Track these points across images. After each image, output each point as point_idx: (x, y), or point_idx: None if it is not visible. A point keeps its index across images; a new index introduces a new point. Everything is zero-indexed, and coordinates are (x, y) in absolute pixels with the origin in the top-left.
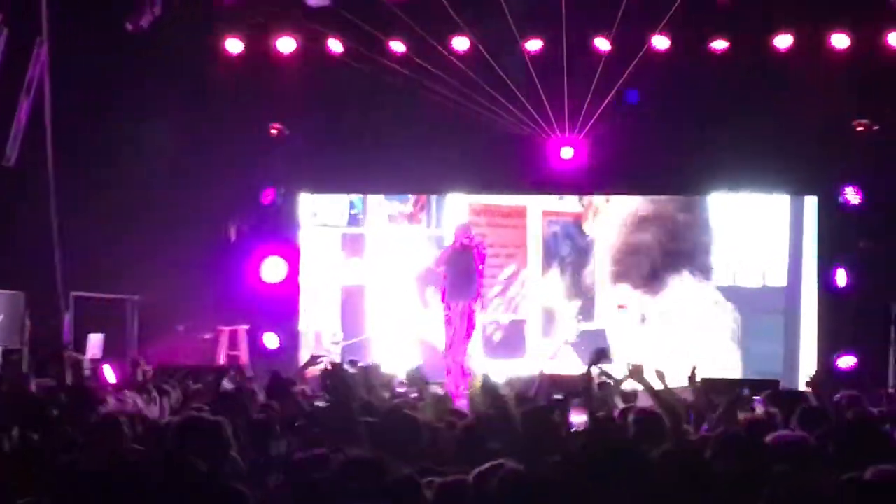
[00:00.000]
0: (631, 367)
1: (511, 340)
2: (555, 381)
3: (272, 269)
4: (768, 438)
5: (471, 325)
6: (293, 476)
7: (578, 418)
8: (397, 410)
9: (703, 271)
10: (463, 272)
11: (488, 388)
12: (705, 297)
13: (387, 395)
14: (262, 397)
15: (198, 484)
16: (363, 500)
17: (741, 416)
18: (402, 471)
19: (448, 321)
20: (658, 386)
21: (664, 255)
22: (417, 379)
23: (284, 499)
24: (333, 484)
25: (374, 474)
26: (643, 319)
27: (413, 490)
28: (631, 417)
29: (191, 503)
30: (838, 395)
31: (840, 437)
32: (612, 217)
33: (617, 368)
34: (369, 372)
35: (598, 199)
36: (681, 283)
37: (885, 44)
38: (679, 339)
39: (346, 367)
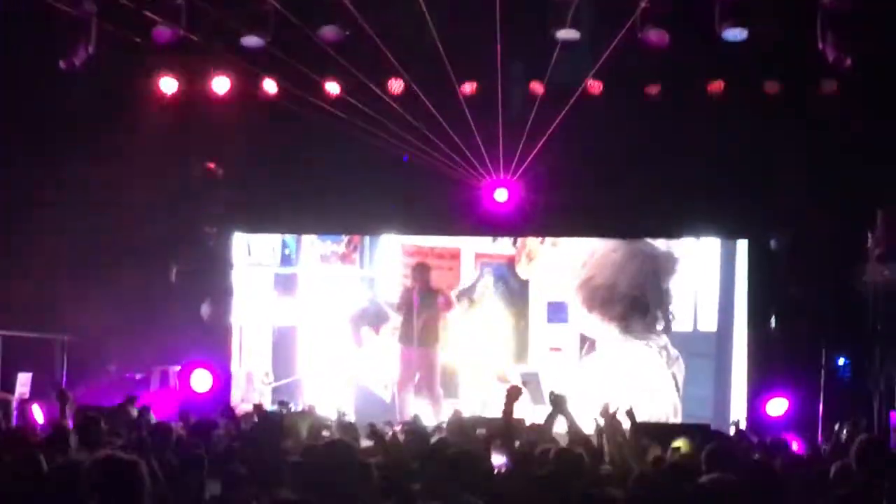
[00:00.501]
0: (553, 397)
1: (445, 382)
2: (476, 423)
3: (203, 310)
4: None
5: None
6: None
7: (498, 459)
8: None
9: (642, 315)
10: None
11: (417, 431)
12: (644, 341)
13: (326, 435)
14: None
15: None
16: None
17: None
18: None
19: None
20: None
21: (602, 299)
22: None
23: None
24: None
25: None
26: (579, 360)
27: None
28: (551, 455)
29: None
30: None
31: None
32: (549, 260)
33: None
34: (305, 414)
35: (532, 242)
36: (618, 327)
37: (817, 90)
38: (615, 382)
39: (275, 408)
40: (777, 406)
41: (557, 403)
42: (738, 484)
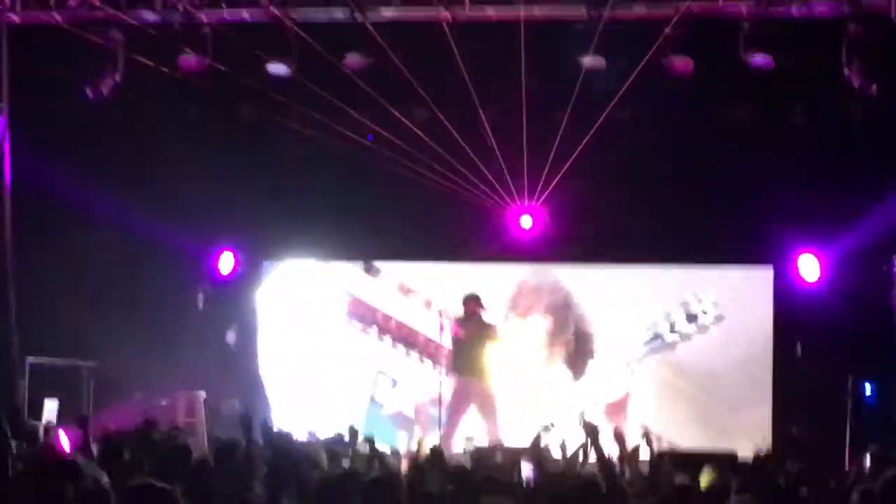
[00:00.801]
0: (586, 425)
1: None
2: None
3: (231, 335)
4: None
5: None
6: None
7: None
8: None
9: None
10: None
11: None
12: (666, 365)
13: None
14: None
15: None
16: None
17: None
18: None
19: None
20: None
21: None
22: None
23: None
24: None
25: None
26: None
27: None
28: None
29: None
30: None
31: None
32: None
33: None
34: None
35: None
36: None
37: (842, 116)
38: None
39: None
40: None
41: (590, 433)
42: None
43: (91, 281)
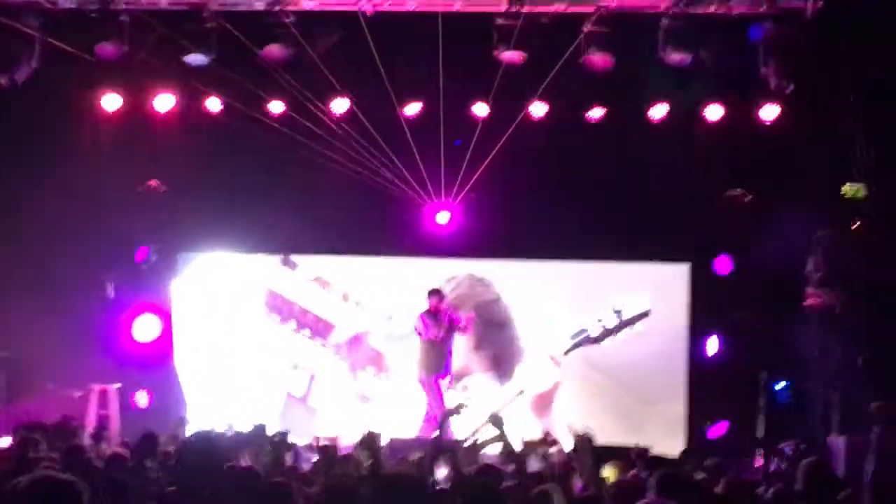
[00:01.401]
0: (493, 418)
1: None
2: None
3: (146, 327)
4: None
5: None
6: None
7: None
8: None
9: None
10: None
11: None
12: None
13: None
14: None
15: None
16: None
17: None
18: None
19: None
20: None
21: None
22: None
23: None
24: None
25: None
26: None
27: None
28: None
29: None
30: (707, 462)
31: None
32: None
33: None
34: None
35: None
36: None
37: (757, 115)
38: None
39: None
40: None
41: (497, 424)
42: None
43: (3, 270)
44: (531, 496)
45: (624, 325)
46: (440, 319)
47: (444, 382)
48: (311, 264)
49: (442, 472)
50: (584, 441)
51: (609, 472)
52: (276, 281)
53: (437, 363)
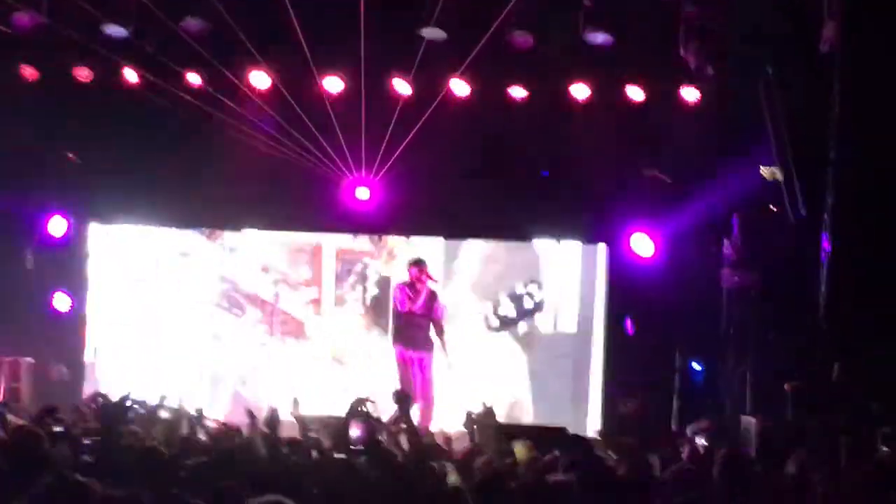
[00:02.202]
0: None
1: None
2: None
3: (59, 300)
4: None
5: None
6: None
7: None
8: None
9: (499, 315)
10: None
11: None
12: (500, 341)
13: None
14: None
15: None
16: None
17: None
18: None
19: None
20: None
21: (462, 298)
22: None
23: None
24: None
25: None
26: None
27: None
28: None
29: None
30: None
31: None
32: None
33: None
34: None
35: (394, 240)
36: (478, 326)
37: (678, 97)
38: (475, 382)
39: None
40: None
41: (402, 402)
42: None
43: None
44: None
45: (535, 306)
46: (419, 291)
47: (429, 358)
48: (230, 238)
49: (355, 433)
50: (487, 416)
51: (519, 451)
52: (195, 254)
53: (415, 337)
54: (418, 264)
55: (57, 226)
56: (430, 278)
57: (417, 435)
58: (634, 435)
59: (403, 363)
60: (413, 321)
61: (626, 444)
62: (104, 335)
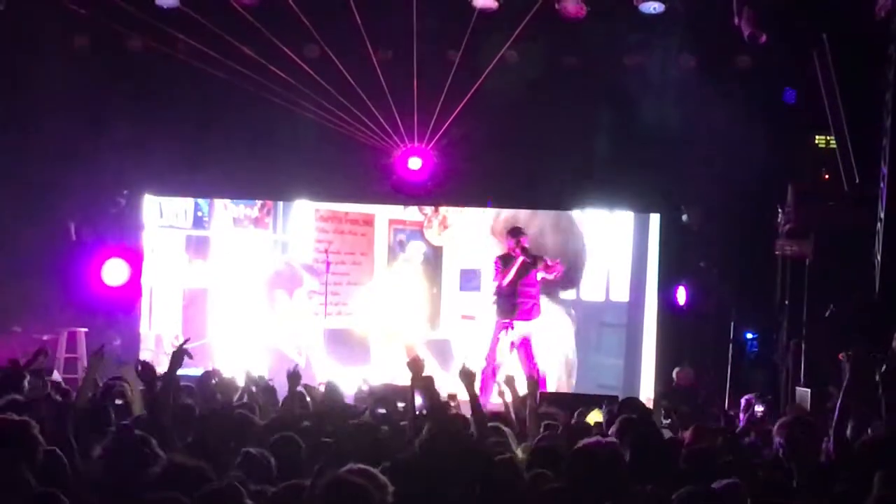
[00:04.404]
0: (463, 372)
1: (357, 348)
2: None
3: (114, 272)
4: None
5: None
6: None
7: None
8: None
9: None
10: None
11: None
12: (550, 309)
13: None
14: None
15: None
16: None
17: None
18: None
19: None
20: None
21: None
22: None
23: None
24: (153, 489)
25: (195, 481)
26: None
27: (235, 499)
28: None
29: None
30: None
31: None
32: (462, 227)
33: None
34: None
35: (447, 209)
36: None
37: (732, 65)
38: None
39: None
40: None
41: (466, 379)
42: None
43: None
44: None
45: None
46: (513, 261)
47: (509, 333)
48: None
49: (419, 400)
50: (467, 375)
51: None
52: (248, 225)
53: (506, 307)
54: (514, 234)
55: (111, 198)
56: (524, 248)
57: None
58: (688, 404)
59: (495, 335)
60: (503, 292)
61: (681, 412)
62: (162, 306)
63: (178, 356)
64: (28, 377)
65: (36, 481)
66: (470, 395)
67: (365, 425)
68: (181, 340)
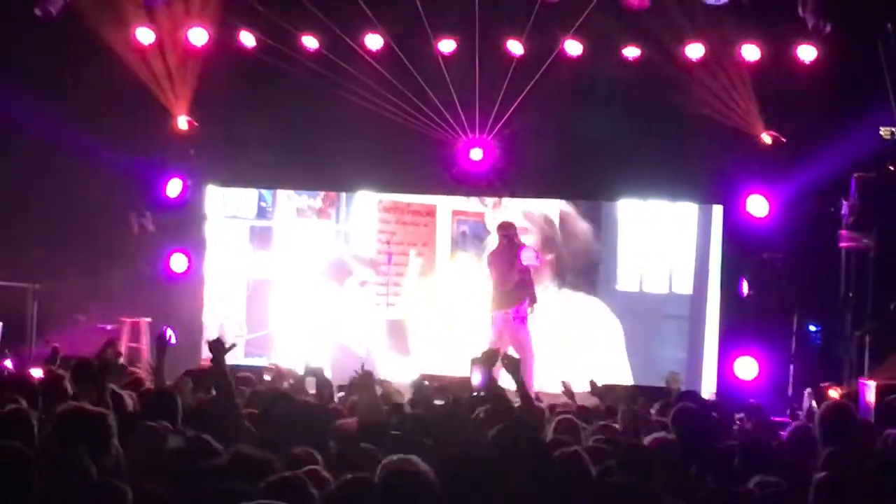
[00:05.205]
0: (506, 360)
1: (416, 339)
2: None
3: (176, 262)
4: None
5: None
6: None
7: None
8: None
9: (609, 275)
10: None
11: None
12: (609, 301)
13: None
14: None
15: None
16: (248, 497)
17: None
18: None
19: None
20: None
21: (570, 258)
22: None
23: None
24: (219, 479)
25: (260, 471)
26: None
27: (300, 488)
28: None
29: (67, 499)
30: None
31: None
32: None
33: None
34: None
35: (507, 200)
36: (585, 287)
37: (794, 56)
38: (582, 344)
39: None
40: (746, 368)
41: (511, 367)
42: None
43: (37, 202)
44: None
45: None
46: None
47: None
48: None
49: (476, 378)
50: (511, 363)
51: None
52: (310, 216)
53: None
54: (502, 227)
55: (174, 188)
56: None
57: (529, 398)
58: (752, 397)
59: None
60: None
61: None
62: (226, 297)
63: (216, 347)
64: None
65: (106, 471)
66: (517, 382)
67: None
68: (244, 331)
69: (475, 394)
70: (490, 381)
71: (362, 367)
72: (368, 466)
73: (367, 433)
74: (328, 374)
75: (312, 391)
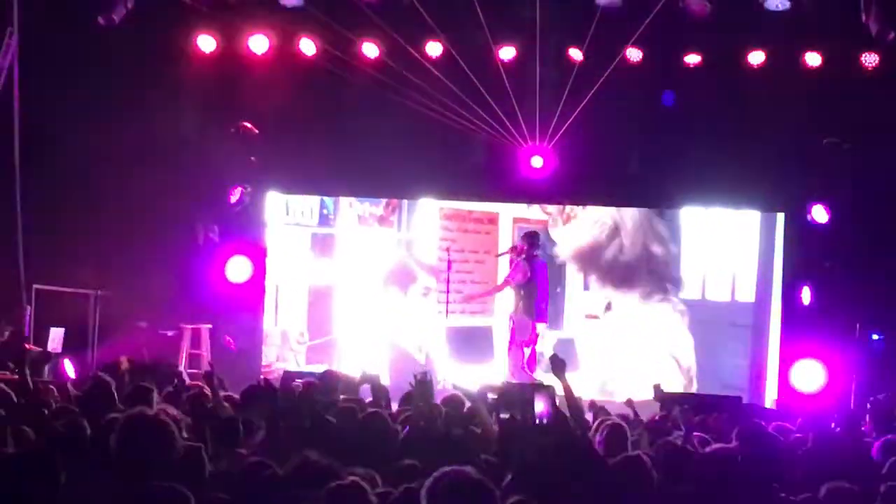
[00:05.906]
0: (554, 361)
1: (479, 345)
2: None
3: (237, 269)
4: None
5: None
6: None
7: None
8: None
9: (673, 283)
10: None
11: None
12: (673, 309)
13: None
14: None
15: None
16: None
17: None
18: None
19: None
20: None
21: (636, 266)
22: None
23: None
24: (281, 486)
25: (321, 478)
26: (611, 328)
27: (359, 496)
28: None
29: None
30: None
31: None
32: (585, 225)
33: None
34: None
35: (571, 207)
36: (650, 295)
37: (858, 63)
38: (646, 351)
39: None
40: (809, 377)
41: (557, 368)
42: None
43: (99, 208)
44: None
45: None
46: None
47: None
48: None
49: (540, 407)
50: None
51: None
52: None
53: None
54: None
55: (235, 196)
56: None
57: (576, 401)
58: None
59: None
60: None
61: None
62: (288, 303)
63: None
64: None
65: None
66: (563, 386)
67: None
68: (306, 338)
69: (538, 421)
70: (555, 412)
71: (425, 374)
72: (422, 476)
73: (420, 442)
74: (386, 381)
75: (369, 398)
